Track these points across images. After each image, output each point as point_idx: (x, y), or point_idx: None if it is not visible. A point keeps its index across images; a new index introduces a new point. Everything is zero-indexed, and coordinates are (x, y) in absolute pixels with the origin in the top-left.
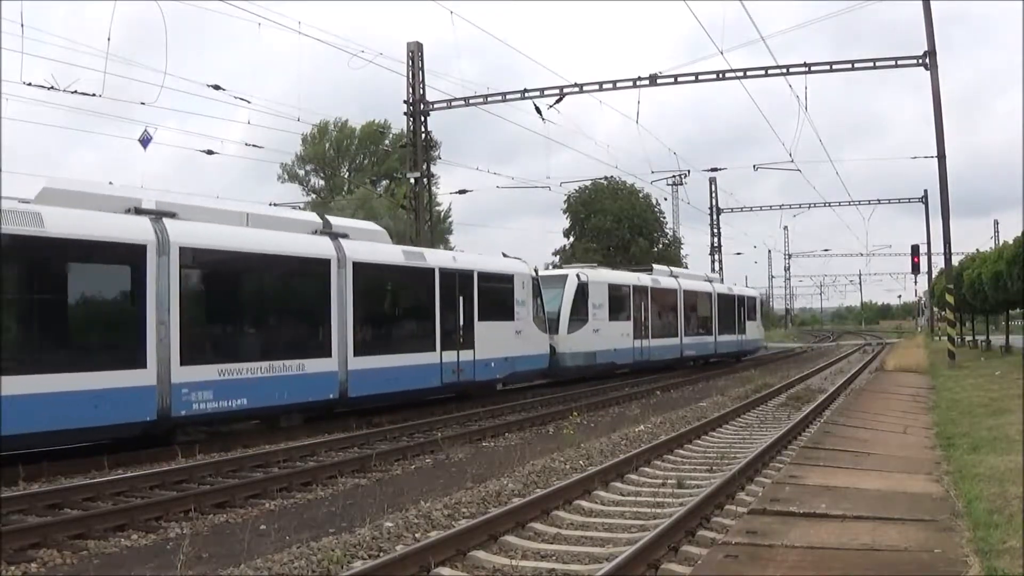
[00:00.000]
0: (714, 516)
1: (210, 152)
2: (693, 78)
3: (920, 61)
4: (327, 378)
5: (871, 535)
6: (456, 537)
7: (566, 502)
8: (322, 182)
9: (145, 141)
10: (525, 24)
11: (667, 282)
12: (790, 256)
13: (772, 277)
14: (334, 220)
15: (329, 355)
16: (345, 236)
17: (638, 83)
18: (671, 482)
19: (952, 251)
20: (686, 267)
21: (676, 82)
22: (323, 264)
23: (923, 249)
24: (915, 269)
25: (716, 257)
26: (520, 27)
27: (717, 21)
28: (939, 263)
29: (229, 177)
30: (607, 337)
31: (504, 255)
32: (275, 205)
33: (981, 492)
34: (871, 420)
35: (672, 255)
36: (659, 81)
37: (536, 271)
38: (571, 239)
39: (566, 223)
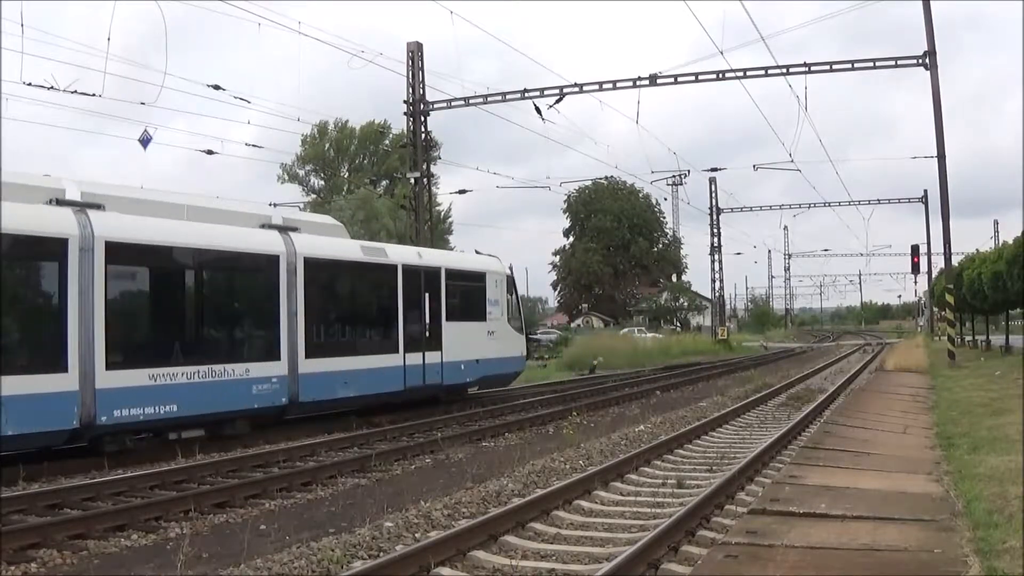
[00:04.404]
0: (714, 516)
1: (210, 152)
2: (693, 78)
3: (920, 61)
4: None
5: (871, 535)
6: (456, 537)
7: (566, 502)
8: (322, 182)
9: (145, 141)
10: (529, 26)
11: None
12: (790, 256)
13: (772, 277)
14: None
15: None
16: None
17: (638, 83)
18: (671, 482)
19: (952, 251)
20: (686, 269)
21: (676, 82)
22: None
23: (923, 249)
24: (915, 269)
25: (716, 257)
26: (523, 29)
27: (719, 22)
28: (939, 263)
29: (235, 178)
30: None
31: None
32: (275, 205)
33: (981, 492)
34: (871, 420)
35: (672, 255)
36: (659, 81)
37: None
38: (571, 239)
39: (566, 223)
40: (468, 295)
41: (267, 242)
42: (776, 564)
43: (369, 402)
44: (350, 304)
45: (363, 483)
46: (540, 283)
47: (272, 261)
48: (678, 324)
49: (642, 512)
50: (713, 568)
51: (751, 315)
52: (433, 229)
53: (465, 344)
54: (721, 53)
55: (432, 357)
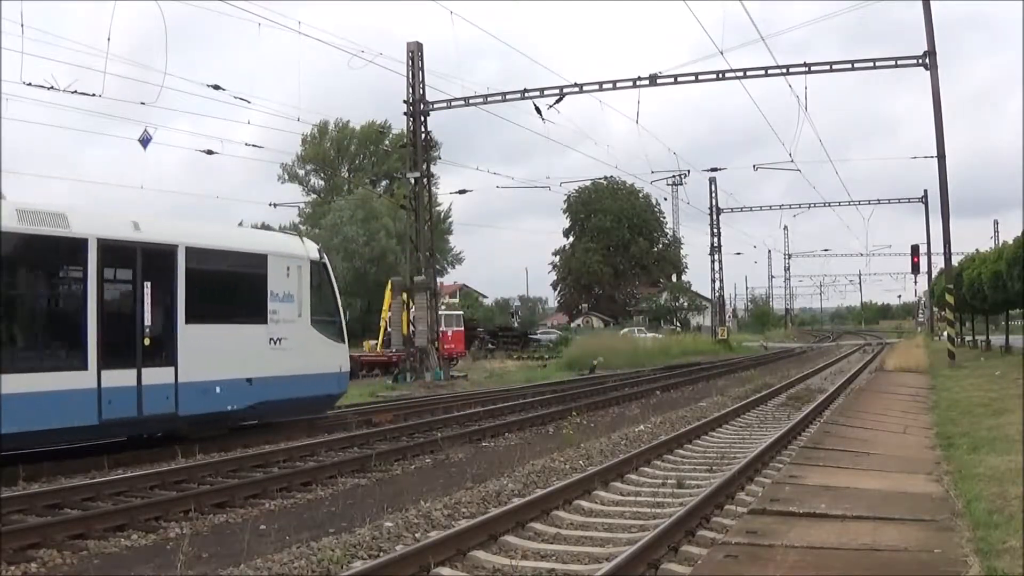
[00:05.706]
0: (714, 516)
1: (210, 152)
2: (693, 78)
3: (920, 61)
4: None
5: (871, 535)
6: (456, 537)
7: (566, 502)
8: (322, 182)
9: (145, 141)
10: (529, 26)
11: None
12: (790, 256)
13: (772, 277)
14: None
15: None
16: None
17: (638, 83)
18: (671, 482)
19: (952, 251)
20: (686, 269)
21: (676, 82)
22: None
23: (923, 249)
24: (915, 269)
25: (716, 257)
26: (524, 29)
27: (719, 22)
28: (939, 263)
29: (235, 178)
30: None
31: None
32: (275, 206)
33: (981, 492)
34: (871, 420)
35: (672, 255)
36: (659, 81)
37: None
38: (571, 239)
39: (566, 223)
40: (233, 286)
41: None
42: (776, 564)
43: (32, 442)
44: None
45: (363, 483)
46: (540, 283)
47: None
48: (678, 324)
49: (642, 512)
50: (713, 568)
51: (751, 315)
52: (433, 229)
53: (224, 357)
54: (721, 53)
55: (156, 375)
